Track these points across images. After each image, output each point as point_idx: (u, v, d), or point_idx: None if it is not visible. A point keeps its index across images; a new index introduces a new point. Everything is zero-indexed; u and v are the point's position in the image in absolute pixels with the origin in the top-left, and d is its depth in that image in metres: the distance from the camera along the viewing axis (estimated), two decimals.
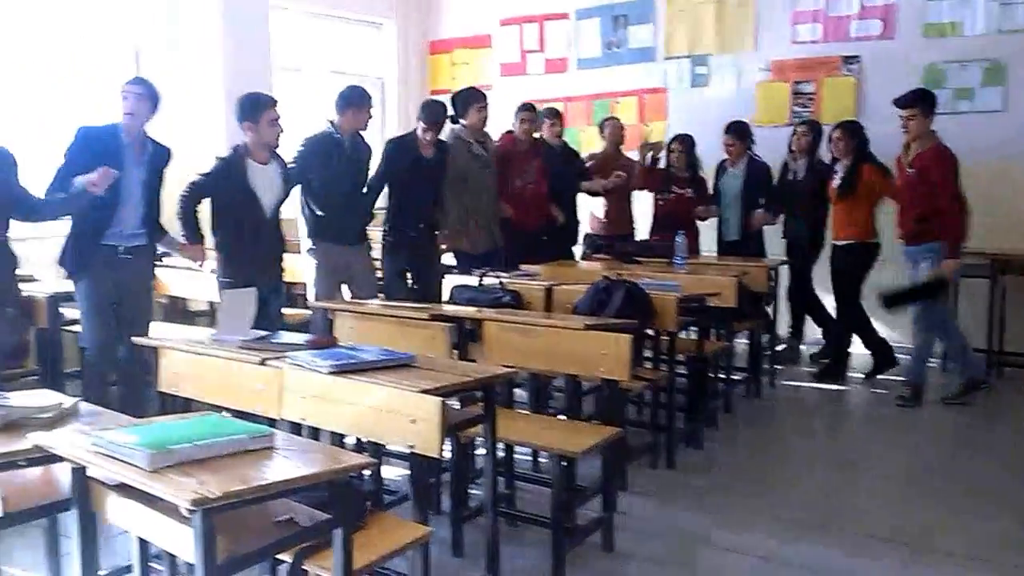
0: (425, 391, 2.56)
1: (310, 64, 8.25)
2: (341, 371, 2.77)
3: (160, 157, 4.42)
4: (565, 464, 3.26)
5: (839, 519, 3.90)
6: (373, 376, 2.77)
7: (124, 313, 4.31)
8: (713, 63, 7.74)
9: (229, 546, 1.92)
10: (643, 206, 7.08)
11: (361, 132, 5.21)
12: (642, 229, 7.02)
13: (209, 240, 4.73)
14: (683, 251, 5.56)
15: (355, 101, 5.08)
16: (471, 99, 5.84)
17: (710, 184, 6.78)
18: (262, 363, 2.95)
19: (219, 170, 4.56)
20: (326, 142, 5.04)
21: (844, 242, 6.00)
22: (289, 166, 4.86)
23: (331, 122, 5.09)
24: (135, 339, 3.52)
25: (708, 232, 6.82)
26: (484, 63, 8.92)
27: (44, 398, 2.45)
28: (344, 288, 5.26)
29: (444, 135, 5.68)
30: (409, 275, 5.61)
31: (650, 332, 4.60)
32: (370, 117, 5.17)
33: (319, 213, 5.07)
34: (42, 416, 2.29)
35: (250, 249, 4.56)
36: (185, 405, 3.19)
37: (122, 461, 1.92)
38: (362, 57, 8.86)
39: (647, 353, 4.78)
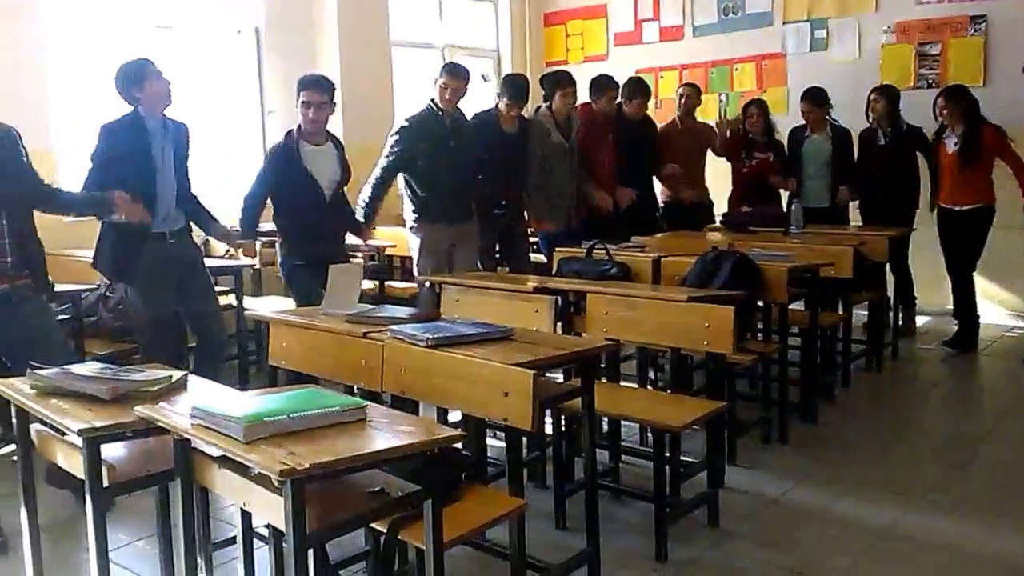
0: (519, 364, 2.56)
1: (427, 40, 8.31)
2: (439, 344, 2.79)
3: (181, 134, 4.32)
4: (666, 438, 3.23)
5: (966, 496, 3.75)
6: (470, 349, 2.78)
7: (189, 291, 4.30)
8: (833, 26, 7.46)
9: (319, 515, 1.98)
10: (719, 173, 6.95)
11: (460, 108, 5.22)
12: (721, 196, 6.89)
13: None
14: (799, 220, 5.39)
15: (441, 74, 5.09)
16: (559, 83, 5.77)
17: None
18: (364, 336, 3.00)
19: (274, 159, 4.61)
20: (425, 121, 5.08)
21: (967, 207, 5.78)
22: (391, 147, 4.94)
23: (432, 100, 5.12)
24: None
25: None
26: (598, 33, 8.81)
27: (155, 372, 2.56)
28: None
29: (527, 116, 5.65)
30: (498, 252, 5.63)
31: (761, 304, 4.48)
32: (459, 90, 5.10)
33: (421, 193, 5.12)
34: (151, 389, 2.40)
35: (312, 230, 4.60)
36: (294, 378, 3.29)
37: (218, 432, 1.99)
38: (478, 32, 8.89)
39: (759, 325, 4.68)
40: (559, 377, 3.73)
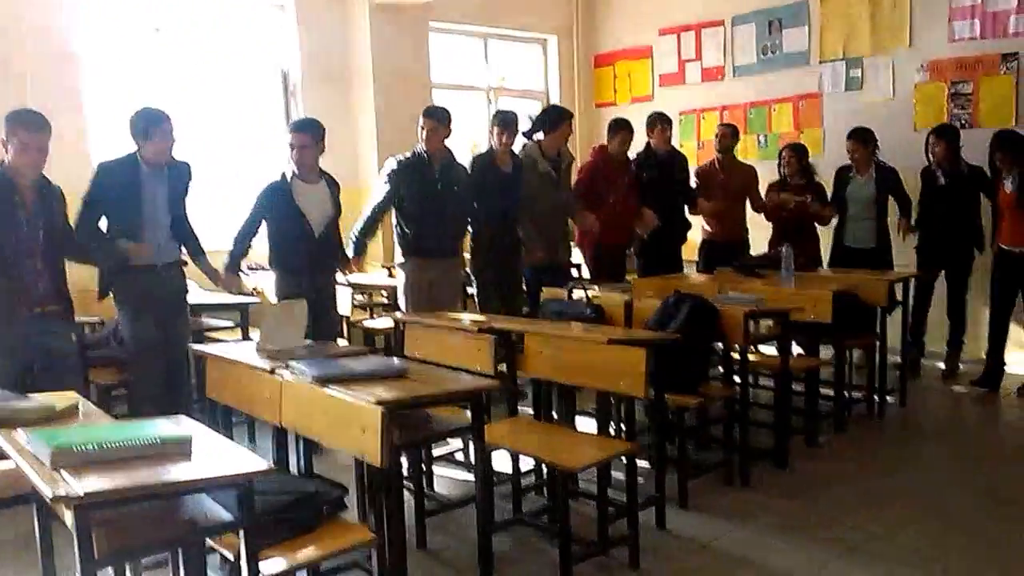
0: (379, 401, 2.66)
1: (472, 82, 8.53)
2: (322, 381, 2.92)
3: (180, 173, 4.59)
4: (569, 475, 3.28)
5: (903, 548, 3.60)
6: (352, 386, 2.88)
7: (168, 326, 4.56)
8: (867, 65, 7.33)
9: (112, 540, 2.12)
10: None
11: (449, 150, 5.37)
12: (761, 236, 6.87)
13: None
14: (789, 263, 5.32)
15: (430, 117, 5.25)
16: (563, 117, 5.90)
17: (828, 192, 6.61)
18: (271, 372, 3.16)
19: (266, 195, 4.83)
20: (412, 163, 5.26)
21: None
22: (381, 186, 5.15)
23: (422, 143, 5.29)
24: (187, 347, 3.81)
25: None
26: (644, 74, 8.88)
27: (44, 401, 2.77)
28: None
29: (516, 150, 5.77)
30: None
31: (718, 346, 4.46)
32: (435, 130, 5.23)
33: (407, 230, 5.28)
34: (26, 416, 2.60)
35: (301, 264, 4.81)
36: (223, 412, 3.48)
37: (36, 458, 2.17)
38: (526, 74, 9.07)
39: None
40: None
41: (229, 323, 5.55)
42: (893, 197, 6.36)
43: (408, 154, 5.32)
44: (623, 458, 3.55)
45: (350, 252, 5.23)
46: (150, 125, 4.42)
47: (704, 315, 4.26)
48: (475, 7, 8.12)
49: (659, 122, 6.56)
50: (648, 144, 6.63)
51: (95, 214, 4.44)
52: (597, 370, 3.54)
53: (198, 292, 5.32)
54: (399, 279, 5.42)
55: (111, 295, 4.60)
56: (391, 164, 5.32)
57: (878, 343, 5.48)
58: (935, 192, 6.22)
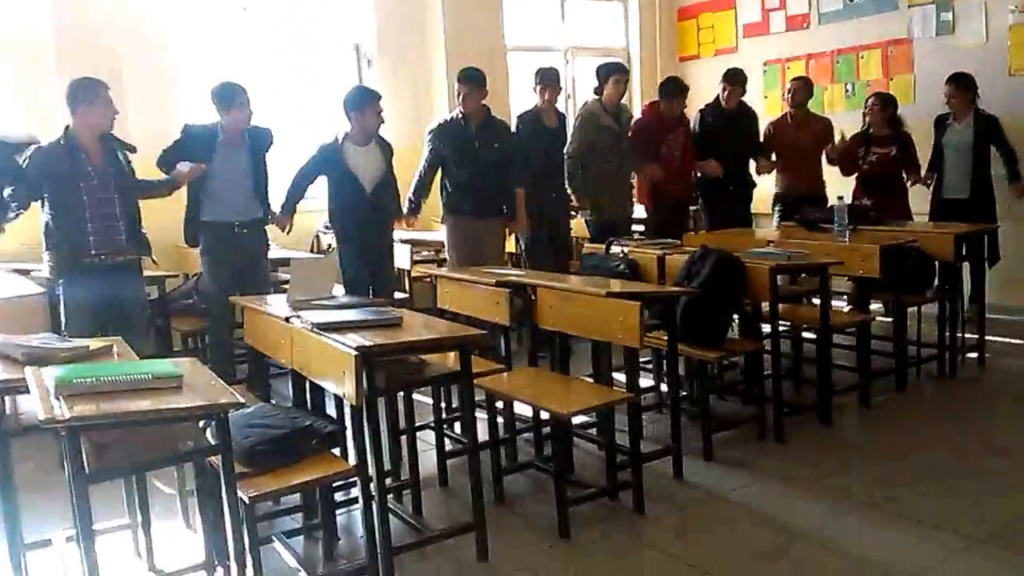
0: (357, 347, 2.92)
1: (548, 43, 8.58)
2: (320, 328, 3.20)
3: (261, 138, 5.04)
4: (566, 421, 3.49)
5: (917, 511, 3.52)
6: (349, 334, 3.13)
7: (246, 278, 4.95)
8: (959, 7, 7.05)
9: (105, 460, 2.47)
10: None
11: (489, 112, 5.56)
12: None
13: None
14: (842, 217, 5.28)
15: (465, 81, 5.43)
16: (612, 71, 5.98)
17: (921, 141, 6.43)
18: (286, 320, 3.46)
19: (320, 155, 5.16)
20: (450, 126, 5.48)
21: None
22: (426, 148, 5.39)
23: (459, 108, 5.51)
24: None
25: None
26: (727, 25, 8.78)
27: (81, 342, 3.15)
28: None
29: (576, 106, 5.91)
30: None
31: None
32: (471, 94, 5.42)
33: (450, 189, 5.52)
34: (61, 355, 2.98)
35: (356, 220, 5.14)
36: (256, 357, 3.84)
37: (47, 390, 2.53)
38: (605, 31, 9.07)
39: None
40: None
41: None
42: (995, 146, 6.16)
43: (448, 116, 5.54)
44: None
45: (405, 210, 5.50)
46: (230, 97, 4.89)
47: (728, 269, 4.33)
48: None
49: (730, 84, 6.56)
50: (717, 98, 6.63)
51: (175, 157, 4.85)
52: (598, 321, 3.71)
53: (277, 249, 5.71)
54: (444, 234, 5.69)
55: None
56: (430, 127, 5.57)
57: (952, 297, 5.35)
58: None
